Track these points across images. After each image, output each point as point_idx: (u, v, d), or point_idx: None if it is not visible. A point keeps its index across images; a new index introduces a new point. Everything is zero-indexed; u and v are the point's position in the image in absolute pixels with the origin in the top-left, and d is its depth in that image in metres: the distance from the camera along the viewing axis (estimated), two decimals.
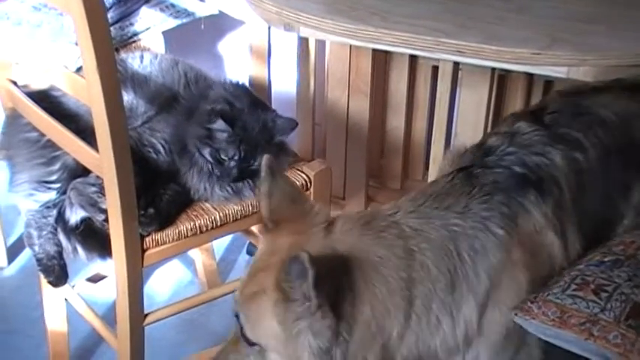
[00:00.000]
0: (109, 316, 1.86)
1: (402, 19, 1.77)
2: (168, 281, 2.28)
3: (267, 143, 1.61)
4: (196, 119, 1.60)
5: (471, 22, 1.76)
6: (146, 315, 1.64)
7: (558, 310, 1.28)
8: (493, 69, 1.90)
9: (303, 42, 2.21)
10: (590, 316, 1.25)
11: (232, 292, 1.75)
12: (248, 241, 2.29)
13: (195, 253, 2.19)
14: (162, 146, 1.59)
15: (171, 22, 2.17)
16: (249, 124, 1.59)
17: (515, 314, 1.30)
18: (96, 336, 1.92)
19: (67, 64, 1.73)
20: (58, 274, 1.64)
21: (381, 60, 2.21)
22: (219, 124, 1.56)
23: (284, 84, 2.38)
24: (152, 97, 1.63)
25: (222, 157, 1.58)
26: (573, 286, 1.31)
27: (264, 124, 1.61)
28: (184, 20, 2.19)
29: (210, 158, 1.58)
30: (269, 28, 2.06)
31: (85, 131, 1.50)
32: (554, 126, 1.40)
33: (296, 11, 1.81)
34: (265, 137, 1.61)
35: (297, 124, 1.66)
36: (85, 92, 1.38)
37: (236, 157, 1.58)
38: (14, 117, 1.67)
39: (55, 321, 1.89)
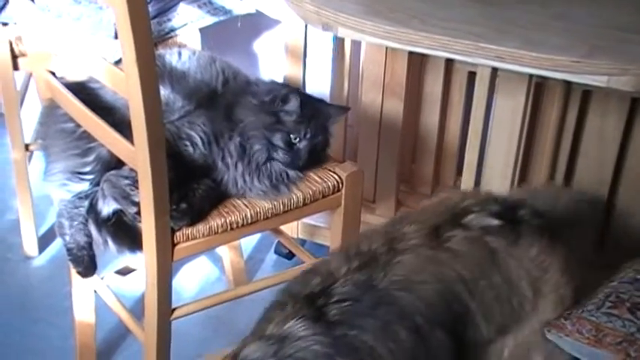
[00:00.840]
0: (136, 309, 1.87)
1: (441, 23, 1.76)
2: (196, 277, 2.29)
3: (325, 123, 1.67)
4: (258, 109, 1.63)
5: (508, 28, 1.75)
6: (174, 309, 1.64)
7: (593, 328, 1.25)
8: (531, 76, 1.88)
9: (339, 43, 2.21)
10: (627, 336, 1.23)
11: (259, 290, 1.78)
12: (277, 240, 2.29)
13: (223, 251, 2.19)
14: (201, 138, 1.60)
15: (209, 20, 2.18)
16: (310, 105, 1.66)
17: (549, 331, 1.27)
18: (122, 328, 1.93)
19: (105, 58, 1.74)
20: (87, 265, 1.65)
21: (417, 63, 2.19)
22: (293, 104, 1.61)
23: (318, 85, 2.37)
24: (190, 92, 1.63)
25: (293, 139, 1.61)
26: (608, 304, 1.29)
27: (319, 107, 1.68)
28: (222, 18, 2.20)
29: (281, 144, 1.61)
30: (305, 27, 2.05)
31: (120, 124, 1.51)
32: (340, 326, 1.10)
33: (335, 11, 1.81)
34: (325, 117, 1.67)
35: (349, 108, 1.76)
36: (124, 85, 1.39)
37: (308, 135, 1.62)
38: (52, 107, 1.69)
39: (84, 312, 1.91)
